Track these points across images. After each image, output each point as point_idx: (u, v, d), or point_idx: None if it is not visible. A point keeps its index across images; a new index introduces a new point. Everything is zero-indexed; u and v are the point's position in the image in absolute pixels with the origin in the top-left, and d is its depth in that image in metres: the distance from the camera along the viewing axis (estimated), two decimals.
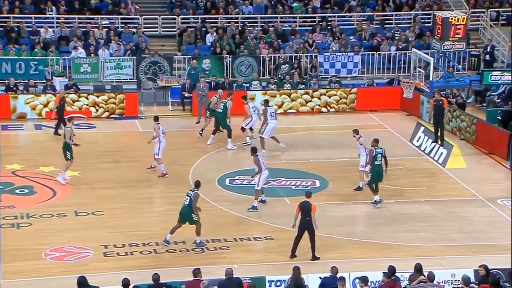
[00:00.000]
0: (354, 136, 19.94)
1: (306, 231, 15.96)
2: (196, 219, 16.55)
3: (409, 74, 28.33)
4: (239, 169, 21.48)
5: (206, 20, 31.02)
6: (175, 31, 31.00)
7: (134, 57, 28.65)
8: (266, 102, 23.60)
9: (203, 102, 25.84)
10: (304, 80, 28.69)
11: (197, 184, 16.95)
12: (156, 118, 21.13)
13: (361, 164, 19.85)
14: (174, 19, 31.12)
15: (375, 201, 19.01)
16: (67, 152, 20.04)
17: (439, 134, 22.80)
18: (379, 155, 18.91)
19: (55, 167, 21.07)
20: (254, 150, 19.01)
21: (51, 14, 30.28)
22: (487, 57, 30.01)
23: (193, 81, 27.50)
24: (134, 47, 29.38)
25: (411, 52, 28.35)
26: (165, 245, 16.55)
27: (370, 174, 18.99)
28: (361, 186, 19.94)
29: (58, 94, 25.16)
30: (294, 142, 24.13)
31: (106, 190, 19.87)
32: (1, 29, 29.23)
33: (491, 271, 13.90)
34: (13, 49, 28.12)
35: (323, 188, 20.46)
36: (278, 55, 29.53)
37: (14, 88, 26.78)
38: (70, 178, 20.29)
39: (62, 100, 24.44)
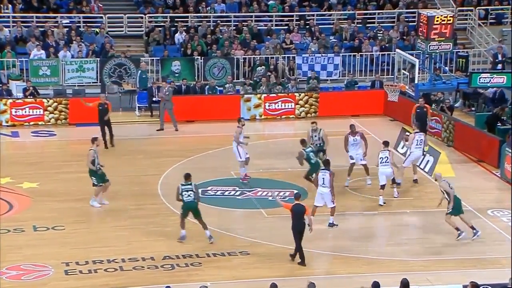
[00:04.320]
0: (406, 140, 21.49)
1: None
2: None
3: (393, 76, 28.50)
4: (211, 179, 21.43)
5: (176, 19, 31.00)
6: (142, 30, 30.93)
7: (98, 59, 28.52)
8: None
9: (167, 107, 25.76)
10: (281, 82, 28.76)
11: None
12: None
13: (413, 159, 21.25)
14: (141, 18, 31.05)
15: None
16: (92, 177, 19.16)
17: None
18: (311, 153, 20.02)
19: (12, 178, 20.85)
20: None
21: (7, 13, 30.05)
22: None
23: (143, 86, 27.37)
24: (97, 48, 29.24)
25: (395, 53, 28.54)
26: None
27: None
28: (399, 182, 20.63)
29: (99, 97, 24.60)
30: (271, 150, 24.14)
31: (68, 203, 19.71)
32: None
33: (481, 287, 13.98)
34: None
35: (302, 199, 20.41)
36: (253, 56, 29.59)
37: None
38: (107, 204, 19.60)
39: (101, 106, 23.98)
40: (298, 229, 16.33)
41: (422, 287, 14.13)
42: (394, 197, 20.38)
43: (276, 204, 19.58)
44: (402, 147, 23.94)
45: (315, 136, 21.29)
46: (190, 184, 17.39)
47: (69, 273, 16.03)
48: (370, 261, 16.98)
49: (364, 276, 15.69)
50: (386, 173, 20.02)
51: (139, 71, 27.98)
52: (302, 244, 16.45)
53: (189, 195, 17.28)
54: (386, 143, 20.47)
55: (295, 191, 17.85)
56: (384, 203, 19.93)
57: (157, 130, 25.71)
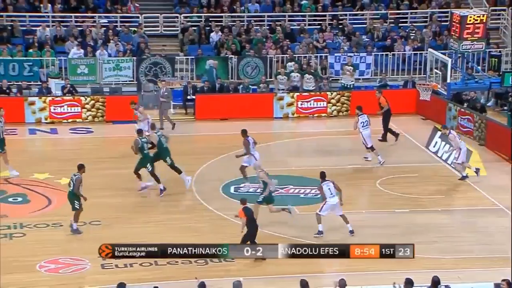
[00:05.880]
0: (444, 133, 21.64)
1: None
2: (77, 206, 17.57)
3: (425, 75, 28.30)
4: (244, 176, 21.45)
5: (210, 19, 31.11)
6: (177, 30, 31.08)
7: (134, 58, 28.74)
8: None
9: (164, 108, 25.81)
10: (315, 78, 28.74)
11: (80, 167, 17.83)
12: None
13: (455, 157, 21.32)
14: (176, 17, 31.21)
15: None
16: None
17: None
18: (145, 144, 19.99)
19: (50, 174, 21.11)
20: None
21: (47, 12, 30.40)
22: None
23: (211, 80, 27.74)
24: (134, 48, 29.46)
25: (427, 53, 28.32)
26: (73, 233, 17.58)
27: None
28: (464, 175, 21.28)
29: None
30: (302, 147, 24.12)
31: (104, 198, 19.89)
32: None
33: None
34: (6, 49, 28.23)
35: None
36: (286, 55, 29.57)
37: (7, 91, 26.88)
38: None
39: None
40: (253, 232, 16.48)
41: (452, 284, 14.00)
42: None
43: (308, 201, 19.62)
44: (434, 146, 23.80)
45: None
46: (75, 175, 17.68)
47: (105, 267, 16.17)
48: (400, 258, 16.85)
49: (395, 273, 15.60)
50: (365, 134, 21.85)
51: (209, 66, 28.11)
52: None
53: (70, 185, 17.70)
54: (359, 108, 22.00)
55: (241, 197, 17.63)
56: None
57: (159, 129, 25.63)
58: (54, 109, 26.46)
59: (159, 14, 31.34)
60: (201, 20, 31.02)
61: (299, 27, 31.42)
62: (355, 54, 29.74)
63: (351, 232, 17.89)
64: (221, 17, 31.31)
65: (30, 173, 21.31)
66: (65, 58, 28.40)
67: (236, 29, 30.78)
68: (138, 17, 30.99)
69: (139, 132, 20.77)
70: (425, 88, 26.23)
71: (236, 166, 21.71)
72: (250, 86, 28.54)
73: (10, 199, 19.90)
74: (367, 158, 22.90)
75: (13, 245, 17.28)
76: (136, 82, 28.63)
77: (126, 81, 28.67)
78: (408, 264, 16.50)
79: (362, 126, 22.45)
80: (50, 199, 19.84)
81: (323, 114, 27.66)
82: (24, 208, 19.35)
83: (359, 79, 29.74)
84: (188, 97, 27.58)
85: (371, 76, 29.87)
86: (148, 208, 19.55)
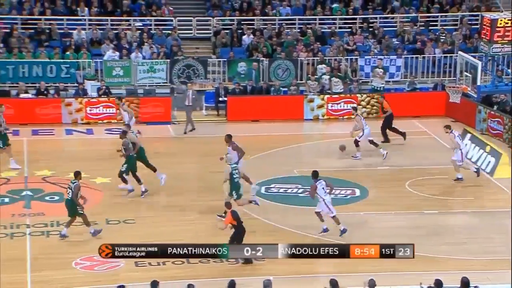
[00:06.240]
0: (446, 132, 21.27)
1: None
2: (81, 211, 17.33)
3: (455, 78, 28.08)
4: (275, 176, 21.49)
5: (242, 22, 31.17)
6: (210, 33, 31.20)
7: (168, 60, 28.91)
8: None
9: (189, 110, 25.74)
10: (345, 81, 28.68)
11: (77, 174, 17.54)
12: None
13: (458, 159, 21.06)
14: (209, 20, 31.33)
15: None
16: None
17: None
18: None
19: (86, 173, 21.29)
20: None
21: (83, 16, 30.72)
22: None
23: (256, 82, 27.99)
24: (167, 50, 29.65)
25: (457, 55, 28.11)
26: (62, 238, 17.37)
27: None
28: (460, 177, 21.15)
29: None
30: (332, 149, 24.07)
31: (137, 197, 20.04)
32: (32, 31, 29.73)
33: None
34: (44, 51, 28.59)
35: (363, 197, 20.40)
36: (317, 58, 29.53)
37: (45, 92, 27.22)
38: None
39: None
40: (241, 235, 16.34)
41: (482, 286, 13.87)
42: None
43: (337, 202, 19.58)
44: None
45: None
46: (73, 182, 17.43)
47: (139, 265, 16.29)
48: (429, 259, 16.77)
49: (424, 274, 15.53)
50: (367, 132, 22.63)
51: (253, 70, 28.30)
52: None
53: (68, 193, 17.46)
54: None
55: (226, 201, 17.56)
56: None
57: (190, 131, 25.66)
58: (90, 110, 26.72)
59: (192, 18, 31.49)
60: (234, 23, 31.10)
61: (330, 30, 31.35)
62: (385, 56, 29.60)
63: (344, 231, 17.63)
64: (253, 20, 31.37)
65: (66, 173, 21.50)
66: (101, 60, 28.67)
67: (267, 32, 30.82)
68: (172, 20, 31.17)
69: (124, 133, 20.58)
70: (455, 91, 26.04)
71: (267, 167, 21.77)
72: (281, 88, 28.55)
73: (47, 198, 20.14)
74: (357, 157, 22.97)
75: (50, 243, 17.49)
76: (169, 84, 28.80)
77: (160, 83, 28.86)
78: (437, 265, 16.43)
79: (365, 124, 22.97)
80: (85, 198, 19.99)
81: (353, 116, 27.54)
82: (60, 206, 19.48)
83: (389, 81, 29.59)
84: (220, 98, 27.68)
85: (401, 78, 29.70)
86: (180, 208, 19.65)
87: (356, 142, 23.03)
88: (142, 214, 19.04)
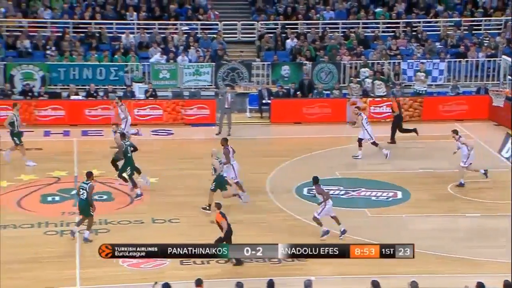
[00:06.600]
0: (453, 137, 20.90)
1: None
2: (92, 213, 17.22)
3: (498, 82, 27.69)
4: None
5: (286, 26, 31.20)
6: (254, 37, 31.30)
7: (213, 64, 29.09)
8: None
9: (225, 113, 25.64)
10: (388, 85, 28.50)
11: (89, 175, 17.45)
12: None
13: (463, 161, 20.77)
14: (254, 25, 31.43)
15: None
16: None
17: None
18: (129, 147, 19.56)
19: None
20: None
21: (132, 20, 31.08)
22: None
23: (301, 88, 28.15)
24: (213, 53, 29.82)
25: (500, 59, 27.71)
26: (72, 238, 17.27)
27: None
28: (462, 183, 20.79)
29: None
30: (374, 151, 23.94)
31: (183, 197, 20.20)
32: (83, 35, 30.19)
33: None
34: (94, 55, 29.00)
35: (405, 200, 20.26)
36: (360, 61, 29.39)
37: (95, 94, 27.62)
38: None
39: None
40: (229, 235, 16.26)
41: None
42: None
43: (380, 204, 19.48)
44: (507, 152, 23.25)
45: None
46: (87, 183, 17.29)
47: (184, 263, 16.41)
48: (471, 262, 16.59)
49: (466, 276, 15.36)
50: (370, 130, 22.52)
51: (302, 73, 28.55)
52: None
53: (82, 194, 17.31)
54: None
55: (216, 202, 17.43)
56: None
57: (216, 134, 25.69)
58: (138, 112, 27.04)
59: (237, 22, 31.62)
60: (278, 27, 31.15)
61: (373, 34, 31.19)
62: (428, 60, 29.33)
63: (343, 232, 17.51)
64: (297, 24, 31.38)
65: (115, 172, 21.80)
66: (148, 63, 28.98)
67: (311, 36, 30.79)
68: (217, 25, 31.35)
69: (123, 135, 20.72)
70: (498, 95, 25.71)
71: (309, 169, 21.73)
72: (324, 91, 28.50)
73: (96, 197, 20.38)
74: (358, 156, 22.87)
75: (98, 240, 17.71)
76: (214, 87, 28.96)
77: (205, 85, 29.04)
78: (479, 268, 16.23)
79: (366, 123, 22.97)
80: (132, 198, 20.26)
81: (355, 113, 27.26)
82: (108, 205, 19.82)
83: (432, 85, 29.32)
84: (264, 101, 27.75)
85: (444, 82, 29.40)
86: (225, 208, 19.71)
87: (360, 141, 23.06)
88: (186, 214, 19.17)
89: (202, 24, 31.21)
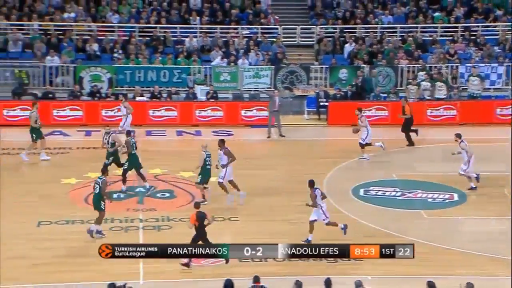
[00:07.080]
0: (456, 140, 20.56)
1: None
2: (103, 208, 17.27)
3: None
4: (373, 180, 21.38)
5: (345, 30, 31.11)
6: (313, 41, 31.30)
7: (273, 67, 29.22)
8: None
9: (274, 116, 25.74)
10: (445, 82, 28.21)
11: (104, 171, 17.66)
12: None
13: (462, 168, 20.49)
14: (313, 29, 31.44)
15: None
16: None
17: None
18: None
19: (194, 172, 21.83)
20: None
21: (195, 24, 31.47)
22: None
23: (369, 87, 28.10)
24: (272, 57, 29.96)
25: None
26: (96, 237, 17.23)
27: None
28: (474, 186, 20.49)
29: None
30: (432, 154, 23.73)
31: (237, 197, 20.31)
32: (148, 38, 30.71)
33: None
34: (159, 58, 29.47)
35: (462, 202, 20.01)
36: (418, 65, 29.11)
37: (158, 96, 28.08)
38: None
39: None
40: (203, 236, 15.99)
41: None
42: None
43: (436, 206, 19.28)
44: None
45: (105, 139, 20.81)
46: (101, 178, 17.49)
47: (242, 261, 16.55)
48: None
49: (502, 279, 15.10)
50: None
51: (368, 76, 28.50)
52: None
53: (96, 188, 17.48)
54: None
55: (195, 201, 17.30)
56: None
57: (267, 137, 25.64)
58: (199, 113, 27.36)
59: (296, 26, 31.69)
60: (336, 31, 31.09)
61: (431, 38, 30.84)
62: (486, 64, 28.87)
63: (345, 227, 17.32)
64: (355, 28, 31.25)
65: (176, 171, 22.15)
66: (210, 66, 29.30)
67: (369, 40, 30.63)
68: (277, 29, 31.48)
69: (128, 133, 20.84)
70: None
71: (366, 170, 21.67)
72: (381, 94, 28.32)
73: (159, 195, 20.79)
74: (364, 158, 22.76)
75: (161, 236, 18.04)
76: (273, 89, 29.07)
77: (264, 88, 29.20)
78: None
79: (369, 124, 23.07)
80: (193, 195, 20.53)
81: (453, 122, 27.06)
82: (170, 203, 20.14)
83: (490, 89, 28.84)
84: (321, 103, 27.75)
85: (502, 86, 28.89)
86: (282, 208, 19.84)
87: (361, 145, 22.80)
88: (245, 212, 19.32)
89: (262, 28, 31.38)
